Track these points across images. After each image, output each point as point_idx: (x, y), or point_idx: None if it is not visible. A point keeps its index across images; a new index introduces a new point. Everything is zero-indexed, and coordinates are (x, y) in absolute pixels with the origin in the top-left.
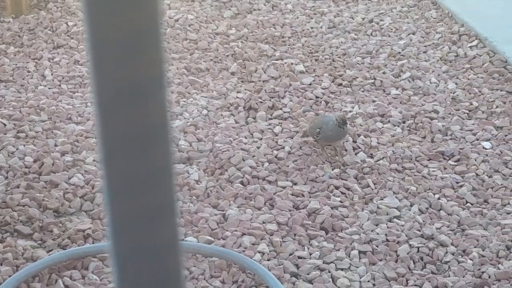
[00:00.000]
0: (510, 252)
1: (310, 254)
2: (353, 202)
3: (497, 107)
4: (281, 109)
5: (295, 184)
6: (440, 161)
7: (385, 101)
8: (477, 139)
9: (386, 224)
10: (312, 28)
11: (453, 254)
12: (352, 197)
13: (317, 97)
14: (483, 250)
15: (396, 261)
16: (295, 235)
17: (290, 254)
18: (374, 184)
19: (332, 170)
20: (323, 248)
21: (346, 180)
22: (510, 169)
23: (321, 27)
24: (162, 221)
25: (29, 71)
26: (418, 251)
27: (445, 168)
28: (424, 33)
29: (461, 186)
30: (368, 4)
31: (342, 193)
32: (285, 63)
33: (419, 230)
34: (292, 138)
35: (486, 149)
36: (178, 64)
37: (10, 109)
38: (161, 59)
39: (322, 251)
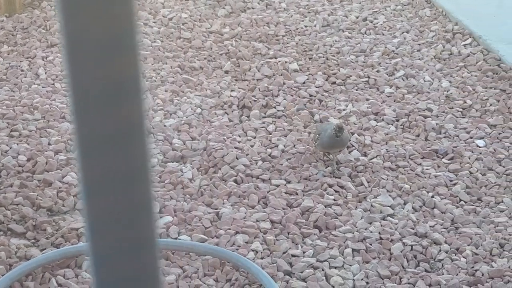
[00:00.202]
0: (504, 250)
1: (304, 253)
2: (346, 200)
3: (490, 105)
4: (275, 107)
5: (289, 182)
6: (433, 159)
7: (379, 99)
8: (471, 137)
9: (380, 222)
10: (306, 26)
11: (446, 252)
12: (346, 195)
13: (311, 95)
14: (477, 248)
15: (390, 259)
16: (288, 233)
17: (284, 253)
18: (368, 182)
19: (326, 167)
20: (317, 246)
21: (339, 178)
22: (503, 167)
23: (315, 26)
24: (139, 220)
25: (22, 70)
26: (411, 249)
27: (438, 166)
28: (418, 31)
29: (454, 184)
30: (362, 3)
31: (336, 191)
32: (279, 61)
33: (413, 228)
34: (286, 136)
35: (479, 147)
36: (172, 62)
37: (3, 108)
38: (137, 59)
39: (316, 249)
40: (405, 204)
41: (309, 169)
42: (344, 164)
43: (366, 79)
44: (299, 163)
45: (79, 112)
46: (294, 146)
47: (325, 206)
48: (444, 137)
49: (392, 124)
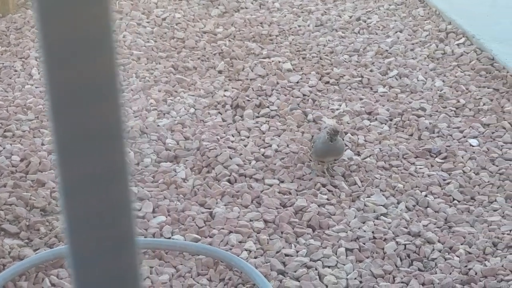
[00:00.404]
0: (497, 249)
1: (297, 252)
2: (340, 199)
3: (484, 104)
4: (268, 107)
5: (282, 182)
6: (427, 159)
7: (372, 99)
8: (464, 137)
9: (373, 221)
10: (299, 26)
11: (440, 251)
12: (339, 194)
13: (304, 95)
14: (470, 247)
15: (383, 258)
16: (282, 232)
17: (277, 252)
18: (361, 181)
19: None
20: (310, 245)
21: (333, 177)
22: (497, 166)
23: (308, 25)
24: (117, 219)
25: (16, 70)
26: (405, 248)
27: (432, 166)
28: (411, 31)
29: (448, 183)
30: (355, 2)
31: (329, 190)
32: (273, 61)
33: (406, 228)
34: (279, 136)
35: (473, 146)
36: (165, 62)
37: None
38: (113, 58)
39: (309, 248)
40: (398, 203)
41: (302, 169)
42: (337, 164)
43: (360, 78)
44: (292, 163)
45: (56, 111)
46: (288, 145)
47: (319, 206)
48: (438, 137)
49: (385, 124)
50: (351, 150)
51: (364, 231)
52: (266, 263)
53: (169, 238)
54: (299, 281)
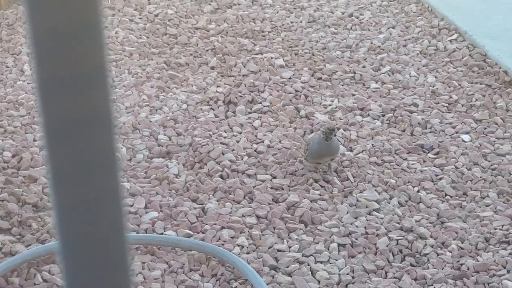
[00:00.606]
0: (489, 244)
1: (290, 247)
2: (332, 195)
3: (476, 100)
4: (260, 103)
5: (275, 177)
6: (419, 154)
7: (365, 94)
8: (457, 132)
9: (366, 217)
10: (292, 22)
11: (432, 246)
12: (332, 190)
13: (296, 91)
14: (462, 243)
15: (375, 254)
16: (274, 228)
17: (270, 247)
18: (354, 177)
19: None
20: (302, 241)
21: (325, 173)
22: (489, 161)
23: (301, 22)
24: (106, 210)
25: (7, 66)
26: (397, 243)
27: (424, 161)
28: (404, 27)
29: (440, 178)
30: None
31: (322, 186)
32: (265, 57)
33: (398, 223)
34: (272, 132)
35: (465, 142)
36: (157, 58)
37: None
38: (102, 48)
39: (302, 244)
40: (390, 199)
41: (294, 164)
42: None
43: (352, 74)
44: (284, 158)
45: (44, 101)
46: (280, 141)
47: (311, 201)
48: (430, 132)
49: (378, 119)
50: (343, 146)
51: (357, 227)
52: (259, 258)
53: (162, 233)
54: (291, 277)
